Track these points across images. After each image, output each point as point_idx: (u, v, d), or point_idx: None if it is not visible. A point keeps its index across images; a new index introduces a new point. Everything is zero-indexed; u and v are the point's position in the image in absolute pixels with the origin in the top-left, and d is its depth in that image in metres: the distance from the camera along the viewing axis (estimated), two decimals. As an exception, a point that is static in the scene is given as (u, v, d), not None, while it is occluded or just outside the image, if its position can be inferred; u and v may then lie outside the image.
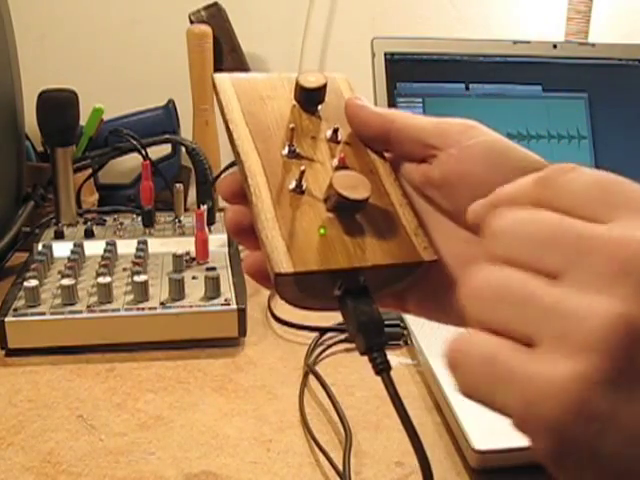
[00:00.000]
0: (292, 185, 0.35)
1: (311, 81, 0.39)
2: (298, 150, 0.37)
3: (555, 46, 0.90)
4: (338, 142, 0.39)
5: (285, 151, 0.37)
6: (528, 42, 0.89)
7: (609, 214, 0.24)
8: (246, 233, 0.37)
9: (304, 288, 0.34)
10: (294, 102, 0.40)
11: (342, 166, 0.37)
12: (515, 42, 0.89)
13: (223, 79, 0.40)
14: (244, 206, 0.37)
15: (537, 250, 0.24)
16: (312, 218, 0.35)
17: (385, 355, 0.34)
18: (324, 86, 0.39)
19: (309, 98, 0.39)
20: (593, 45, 0.93)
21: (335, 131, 0.39)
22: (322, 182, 0.36)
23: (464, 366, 0.25)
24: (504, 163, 0.35)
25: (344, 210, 0.35)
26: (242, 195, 0.37)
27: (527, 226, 0.25)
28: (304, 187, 0.35)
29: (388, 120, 0.38)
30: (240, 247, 0.85)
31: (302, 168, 0.35)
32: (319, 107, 0.40)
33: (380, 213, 0.36)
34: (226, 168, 1.00)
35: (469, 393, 0.25)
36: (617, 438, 0.22)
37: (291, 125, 0.37)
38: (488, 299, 0.25)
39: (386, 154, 0.39)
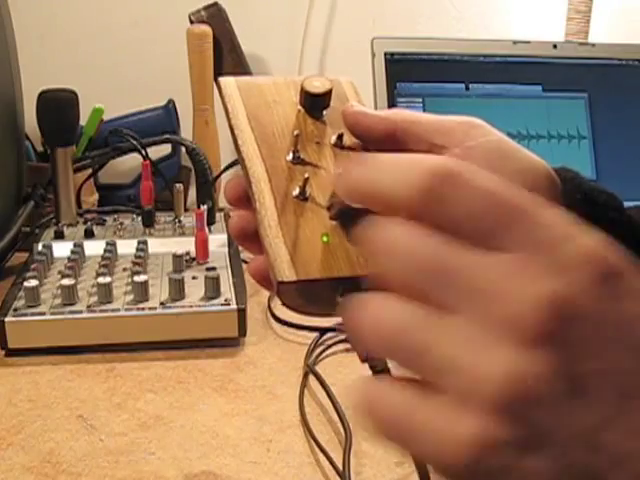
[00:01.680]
0: (296, 192, 0.35)
1: (316, 86, 0.39)
2: (302, 156, 0.37)
3: (555, 46, 0.90)
4: (343, 147, 0.38)
5: (290, 157, 0.37)
6: (528, 42, 0.89)
7: (502, 240, 0.23)
8: (250, 238, 0.37)
9: (306, 295, 0.34)
10: (299, 107, 0.40)
11: None
12: (515, 42, 0.89)
13: (229, 83, 0.40)
14: (248, 211, 0.37)
15: (423, 283, 0.24)
16: (315, 225, 0.34)
17: (386, 363, 0.34)
18: (329, 91, 0.39)
19: (314, 103, 0.39)
20: (593, 45, 0.93)
21: (340, 137, 0.39)
22: (326, 189, 0.36)
23: (376, 417, 0.24)
24: (506, 165, 0.35)
25: (346, 218, 0.34)
26: (246, 199, 0.37)
27: (409, 254, 0.24)
28: (308, 194, 0.35)
29: (391, 122, 0.38)
30: (241, 248, 0.85)
31: (306, 175, 0.35)
32: (324, 112, 0.40)
33: None
34: (226, 168, 1.00)
35: (386, 440, 0.24)
36: None
37: (296, 132, 0.37)
38: (383, 345, 0.24)
39: None
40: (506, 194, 0.24)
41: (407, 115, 0.38)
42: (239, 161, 0.37)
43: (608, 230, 0.35)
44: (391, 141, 0.38)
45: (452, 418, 0.23)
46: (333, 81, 0.40)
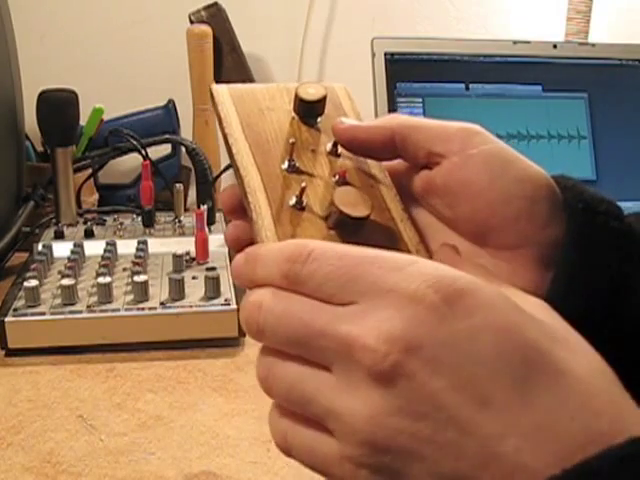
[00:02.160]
0: (292, 201, 0.35)
1: (311, 93, 0.38)
2: (298, 164, 0.37)
3: (555, 46, 0.90)
4: (338, 155, 0.38)
5: (285, 165, 0.36)
6: (528, 42, 0.89)
7: (351, 295, 0.27)
8: (245, 247, 0.36)
9: None
10: (293, 114, 0.39)
11: (343, 181, 0.36)
12: (515, 42, 0.89)
13: (221, 90, 0.39)
14: (244, 221, 0.37)
15: (299, 348, 0.28)
16: (313, 235, 0.34)
17: None
18: (324, 98, 0.38)
19: (309, 110, 0.39)
20: (593, 45, 0.93)
21: (335, 144, 0.38)
22: (322, 198, 0.35)
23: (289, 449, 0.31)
24: (505, 174, 0.35)
25: (345, 227, 0.34)
26: (241, 209, 0.37)
27: (282, 325, 0.28)
28: (304, 203, 0.35)
29: (389, 130, 0.37)
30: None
31: (303, 184, 0.34)
32: (318, 119, 0.39)
33: (381, 229, 0.36)
34: (226, 168, 1.00)
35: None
36: None
37: (291, 140, 0.36)
38: (279, 394, 0.30)
39: (385, 163, 0.39)
40: (347, 259, 0.28)
41: (404, 121, 0.37)
42: (234, 170, 0.37)
43: (609, 239, 0.35)
44: (390, 149, 0.37)
45: (332, 444, 0.27)
46: (327, 88, 0.39)
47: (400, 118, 0.37)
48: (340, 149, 0.38)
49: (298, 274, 0.28)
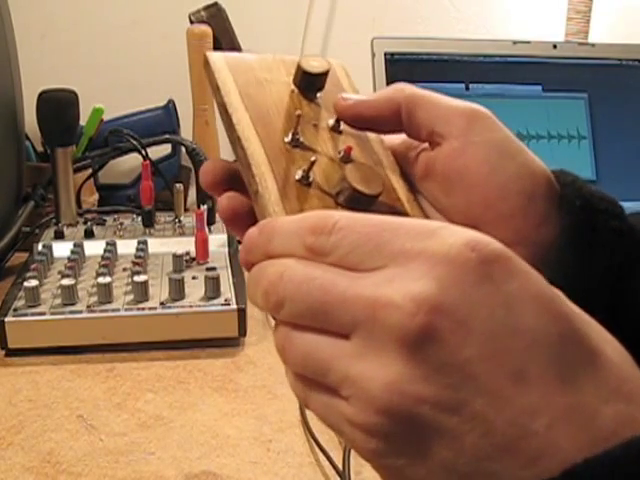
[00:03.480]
0: (298, 176, 0.33)
1: (315, 66, 0.37)
2: (302, 139, 0.35)
3: (555, 46, 0.90)
4: (340, 132, 0.37)
5: (288, 139, 0.35)
6: (528, 42, 0.89)
7: (378, 261, 0.26)
8: (243, 221, 0.35)
9: None
10: (292, 87, 0.38)
11: (347, 158, 0.35)
12: (515, 42, 0.89)
13: (217, 58, 0.38)
14: (239, 193, 0.35)
15: (319, 316, 0.26)
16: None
17: None
18: (327, 72, 0.37)
19: (311, 84, 0.37)
20: (593, 45, 0.93)
21: (338, 120, 0.37)
22: (329, 174, 0.34)
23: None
24: (505, 167, 0.34)
25: (355, 205, 0.33)
26: (227, 183, 0.35)
27: (302, 292, 0.27)
28: (311, 179, 0.33)
29: (396, 103, 0.35)
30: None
31: (313, 158, 0.33)
32: (318, 94, 0.38)
33: (388, 209, 0.34)
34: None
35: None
36: None
37: (297, 112, 0.35)
38: (300, 367, 0.28)
39: (387, 143, 0.37)
40: (369, 226, 0.27)
41: (411, 95, 0.35)
42: (232, 141, 0.35)
43: (609, 238, 0.34)
44: (396, 123, 0.36)
45: (352, 410, 0.25)
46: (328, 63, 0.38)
47: (407, 90, 0.36)
48: (343, 126, 0.37)
49: (324, 245, 0.27)
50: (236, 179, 0.35)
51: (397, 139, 0.37)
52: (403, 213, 0.35)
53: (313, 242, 0.27)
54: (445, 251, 0.25)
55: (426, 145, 0.36)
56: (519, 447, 0.23)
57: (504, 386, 0.24)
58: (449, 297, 0.24)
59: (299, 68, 0.37)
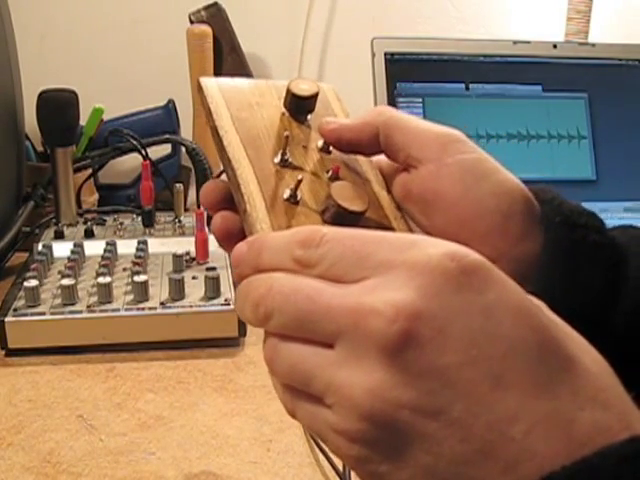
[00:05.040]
0: (286, 195, 0.35)
1: (303, 89, 0.38)
2: (290, 159, 0.36)
3: (555, 46, 0.90)
4: (329, 152, 0.38)
5: (277, 159, 0.36)
6: (528, 42, 0.89)
7: (361, 273, 0.26)
8: (235, 240, 0.35)
9: None
10: (283, 110, 0.39)
11: (336, 177, 0.36)
12: (515, 42, 0.89)
13: (210, 83, 0.39)
14: (230, 212, 0.36)
15: (305, 325, 0.27)
16: None
17: None
18: (316, 94, 0.38)
19: (300, 106, 0.39)
20: (593, 45, 0.93)
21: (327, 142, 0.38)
22: (316, 192, 0.35)
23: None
24: (480, 187, 0.34)
25: (341, 221, 0.34)
26: (225, 204, 0.36)
27: (290, 303, 0.27)
28: (299, 197, 0.35)
29: (374, 127, 0.37)
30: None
31: (299, 177, 0.34)
32: (309, 116, 0.39)
33: (375, 225, 0.35)
34: (226, 168, 1.00)
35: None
36: None
37: (286, 133, 0.36)
38: (285, 377, 0.28)
39: (374, 163, 0.39)
40: (354, 239, 0.27)
41: (389, 119, 0.37)
42: (223, 163, 0.37)
43: (589, 252, 0.35)
44: (376, 146, 0.37)
45: (335, 415, 0.26)
46: (318, 86, 0.39)
47: (386, 114, 0.37)
48: (331, 147, 0.38)
49: (311, 257, 0.28)
50: (233, 199, 0.36)
51: (385, 159, 0.38)
52: (390, 229, 0.36)
53: (301, 255, 0.28)
54: (425, 261, 0.25)
55: (404, 167, 0.37)
56: (497, 453, 0.24)
57: (482, 392, 0.24)
58: (429, 305, 0.25)
59: (289, 91, 0.38)
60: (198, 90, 0.39)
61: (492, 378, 0.24)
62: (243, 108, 0.38)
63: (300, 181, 0.34)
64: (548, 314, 0.26)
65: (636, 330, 0.35)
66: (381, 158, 0.38)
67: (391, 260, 0.26)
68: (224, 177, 0.38)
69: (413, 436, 0.24)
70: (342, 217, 0.33)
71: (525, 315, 0.25)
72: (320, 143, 0.38)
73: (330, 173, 0.36)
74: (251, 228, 0.34)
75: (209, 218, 0.89)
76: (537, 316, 0.25)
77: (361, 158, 0.38)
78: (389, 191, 0.37)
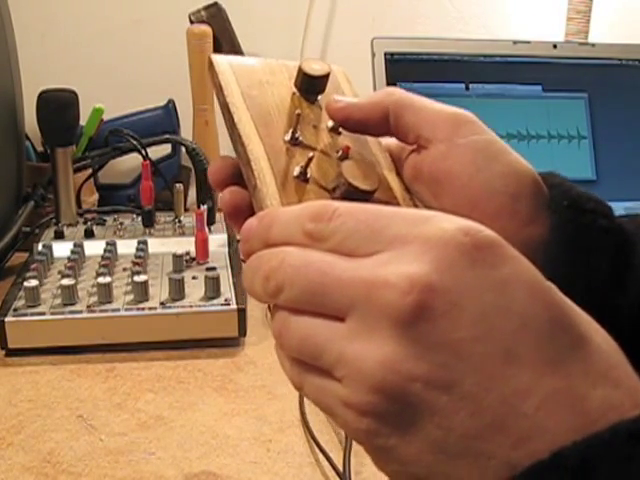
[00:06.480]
0: (296, 172, 0.35)
1: (316, 69, 0.38)
2: (301, 138, 0.36)
3: (555, 46, 0.90)
4: (339, 133, 0.38)
5: (288, 137, 0.36)
6: (528, 42, 0.89)
7: (375, 246, 0.26)
8: (243, 216, 0.35)
9: None
10: (294, 89, 0.39)
11: (345, 157, 0.36)
12: (515, 42, 0.89)
13: (221, 61, 0.39)
14: (240, 187, 0.36)
15: (316, 298, 0.27)
16: None
17: None
18: (327, 75, 0.38)
19: (312, 86, 0.38)
20: (593, 45, 0.93)
21: None
22: (326, 171, 0.35)
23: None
24: (490, 168, 0.35)
25: (351, 200, 0.33)
26: (234, 179, 0.36)
27: (301, 275, 0.27)
28: (309, 175, 0.35)
29: (384, 107, 0.37)
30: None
31: (310, 155, 0.34)
32: (319, 97, 0.39)
33: (384, 205, 0.36)
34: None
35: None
36: (397, 467, 0.26)
37: (297, 111, 0.36)
38: (295, 350, 0.28)
39: (385, 144, 0.38)
40: (366, 213, 0.27)
41: (399, 99, 0.36)
42: (233, 139, 0.36)
43: (597, 236, 0.35)
44: (385, 126, 0.37)
45: (345, 391, 0.26)
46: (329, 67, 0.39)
47: (396, 95, 0.37)
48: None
49: (322, 231, 0.27)
50: (241, 177, 0.36)
51: (394, 141, 0.38)
52: None
53: (312, 228, 0.28)
54: (439, 235, 0.25)
55: (414, 148, 0.37)
56: (508, 427, 0.24)
57: (494, 367, 0.24)
58: (442, 278, 0.24)
59: (300, 70, 0.38)
60: (209, 67, 0.39)
61: (504, 353, 0.24)
62: (254, 86, 0.38)
63: (311, 159, 0.34)
64: (559, 293, 0.26)
65: None
66: (390, 141, 0.38)
67: (405, 234, 0.26)
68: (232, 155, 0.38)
69: (423, 409, 0.24)
70: (352, 196, 0.33)
71: (538, 291, 0.25)
72: (330, 123, 0.38)
73: (340, 153, 0.36)
74: (261, 204, 0.34)
75: (209, 218, 0.89)
76: (550, 293, 0.25)
77: (371, 139, 0.38)
78: (398, 173, 0.37)
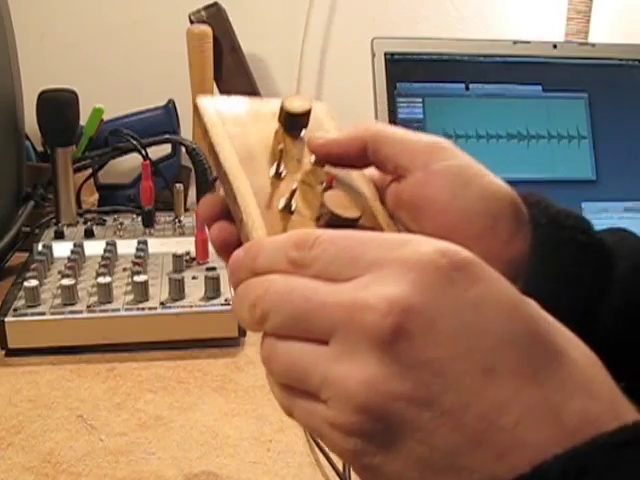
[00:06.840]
0: (281, 205, 0.36)
1: (297, 106, 0.39)
2: (285, 172, 0.37)
3: (555, 46, 0.90)
4: (323, 166, 0.39)
5: (272, 172, 0.37)
6: (528, 42, 0.89)
7: (355, 272, 0.27)
8: (232, 250, 0.36)
9: None
10: (278, 126, 0.40)
11: (329, 187, 0.37)
12: (515, 42, 0.89)
13: (206, 103, 0.41)
14: (228, 222, 0.37)
15: (300, 324, 0.28)
16: None
17: None
18: (309, 111, 0.39)
19: (293, 123, 0.40)
20: (593, 45, 0.93)
21: None
22: (311, 202, 0.36)
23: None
24: (466, 193, 0.35)
25: (336, 228, 0.34)
26: (223, 216, 0.37)
27: (285, 302, 0.28)
28: (293, 207, 0.35)
29: (362, 141, 0.38)
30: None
31: (294, 186, 0.35)
32: (302, 132, 0.40)
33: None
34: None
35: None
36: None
37: (280, 146, 0.37)
38: (280, 373, 0.29)
39: (369, 174, 0.40)
40: (347, 240, 0.28)
41: (376, 132, 0.38)
42: (220, 178, 0.38)
43: (576, 251, 0.36)
44: (364, 159, 0.38)
45: (330, 411, 0.26)
46: (312, 103, 0.40)
47: (372, 129, 0.38)
48: None
49: (305, 258, 0.29)
50: (229, 213, 0.38)
51: (377, 172, 0.39)
52: None
53: (296, 256, 0.29)
54: (417, 258, 0.26)
55: (394, 177, 0.38)
56: (489, 442, 0.24)
57: (472, 383, 0.25)
58: (421, 299, 0.25)
59: (282, 108, 0.39)
60: (194, 110, 0.41)
61: (482, 370, 0.25)
62: (238, 124, 0.40)
63: (294, 190, 0.35)
64: (537, 309, 0.27)
65: (623, 327, 0.36)
66: (373, 171, 0.39)
67: (384, 257, 0.27)
68: (222, 192, 0.39)
69: (406, 427, 0.25)
70: (335, 225, 0.34)
71: (514, 309, 0.26)
72: (313, 158, 0.39)
73: (324, 184, 0.37)
74: (247, 236, 0.35)
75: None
76: (526, 310, 0.26)
77: (354, 171, 0.39)
78: (382, 202, 0.38)
